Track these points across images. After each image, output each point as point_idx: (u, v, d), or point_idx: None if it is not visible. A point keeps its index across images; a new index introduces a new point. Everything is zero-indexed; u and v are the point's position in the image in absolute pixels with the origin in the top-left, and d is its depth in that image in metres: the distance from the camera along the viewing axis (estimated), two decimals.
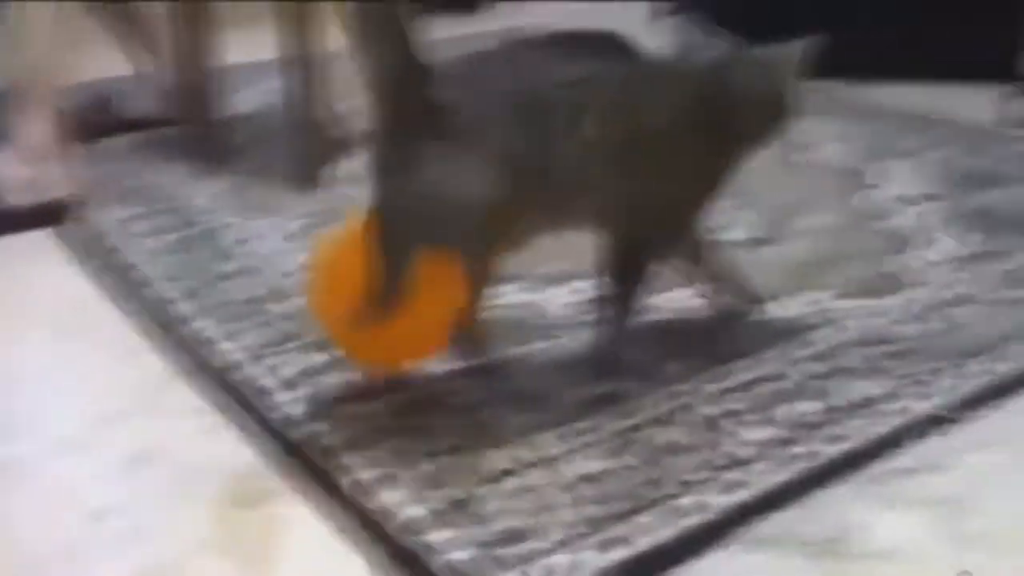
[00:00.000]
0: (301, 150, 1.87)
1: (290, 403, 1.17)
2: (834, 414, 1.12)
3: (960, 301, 1.36)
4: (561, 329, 1.32)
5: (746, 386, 1.18)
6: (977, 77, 2.28)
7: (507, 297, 1.40)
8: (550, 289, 1.43)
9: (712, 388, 1.18)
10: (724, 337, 1.28)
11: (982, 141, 2.00)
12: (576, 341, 1.28)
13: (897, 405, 1.13)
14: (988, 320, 1.31)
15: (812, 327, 1.30)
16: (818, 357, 1.24)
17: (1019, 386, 1.16)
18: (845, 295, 1.38)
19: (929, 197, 1.72)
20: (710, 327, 1.31)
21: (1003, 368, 1.20)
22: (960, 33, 2.29)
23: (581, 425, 1.11)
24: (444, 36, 3.06)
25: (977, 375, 1.18)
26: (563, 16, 3.42)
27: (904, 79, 2.30)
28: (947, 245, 1.53)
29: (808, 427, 1.10)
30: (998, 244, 1.52)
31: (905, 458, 1.05)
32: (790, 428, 1.10)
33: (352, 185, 1.89)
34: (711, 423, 1.11)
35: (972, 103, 2.19)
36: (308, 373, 1.23)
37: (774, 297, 1.36)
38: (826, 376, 1.19)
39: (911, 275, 1.44)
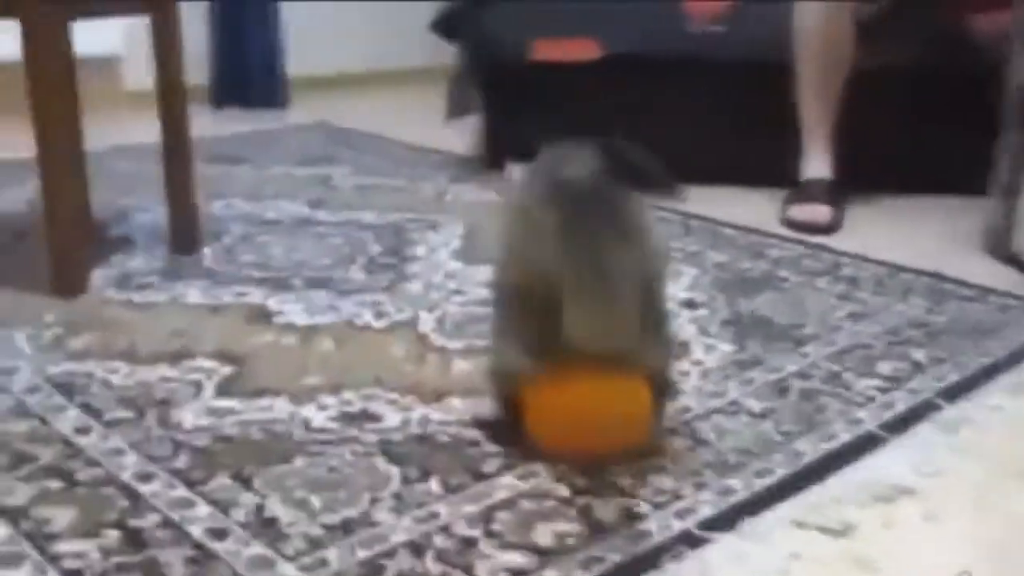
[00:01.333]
0: (61, 251, 1.75)
1: None
2: (595, 534, 1.08)
3: (728, 410, 1.36)
4: (324, 444, 1.25)
5: (507, 504, 1.13)
6: (755, 182, 2.38)
7: (265, 412, 1.33)
8: (312, 401, 1.36)
9: (472, 508, 1.13)
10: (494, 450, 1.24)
11: (760, 245, 2.05)
12: (335, 459, 1.22)
13: (657, 523, 1.10)
14: (752, 429, 1.31)
15: None
16: (583, 472, 1.20)
17: (776, 500, 1.16)
18: None
19: (710, 300, 1.74)
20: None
21: (761, 483, 1.19)
22: (742, 140, 2.39)
23: (324, 554, 1.04)
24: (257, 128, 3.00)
25: (737, 490, 1.17)
26: (366, 115, 3.42)
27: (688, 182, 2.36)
28: (721, 351, 1.54)
29: (564, 551, 1.05)
30: (766, 350, 1.54)
31: None
32: (542, 554, 1.05)
33: (116, 288, 1.78)
34: (468, 544, 1.06)
35: (751, 206, 2.26)
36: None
37: None
38: (589, 492, 1.16)
39: (686, 382, 1.43)
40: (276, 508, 1.12)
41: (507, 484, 1.18)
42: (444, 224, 2.18)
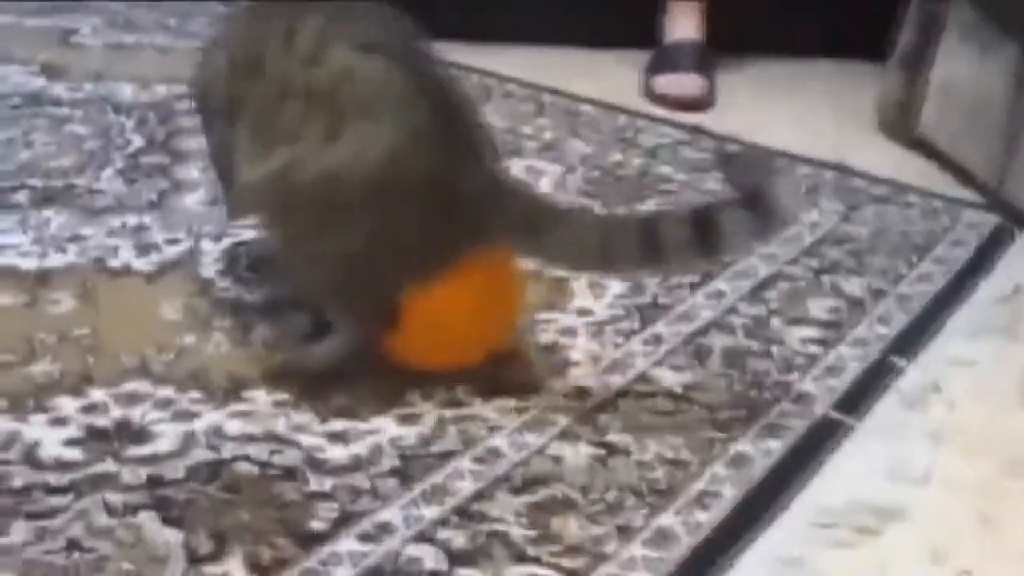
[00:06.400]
0: None
1: None
2: None
3: (638, 390, 1.01)
4: (61, 495, 0.82)
5: None
6: (606, 43, 1.98)
7: None
8: (43, 411, 0.92)
9: None
10: None
11: (627, 128, 1.68)
12: (78, 526, 0.79)
13: None
14: (673, 420, 0.96)
15: None
16: None
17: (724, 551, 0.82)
18: None
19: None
20: None
21: (694, 521, 0.85)
22: None
23: None
24: None
25: (677, 541, 0.83)
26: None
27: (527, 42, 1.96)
28: (611, 293, 1.17)
29: None
30: (667, 288, 1.19)
31: None
32: None
33: None
34: None
35: (607, 76, 1.88)
36: None
37: None
38: None
39: (573, 342, 1.07)
40: None
41: (346, 550, 0.79)
42: None
